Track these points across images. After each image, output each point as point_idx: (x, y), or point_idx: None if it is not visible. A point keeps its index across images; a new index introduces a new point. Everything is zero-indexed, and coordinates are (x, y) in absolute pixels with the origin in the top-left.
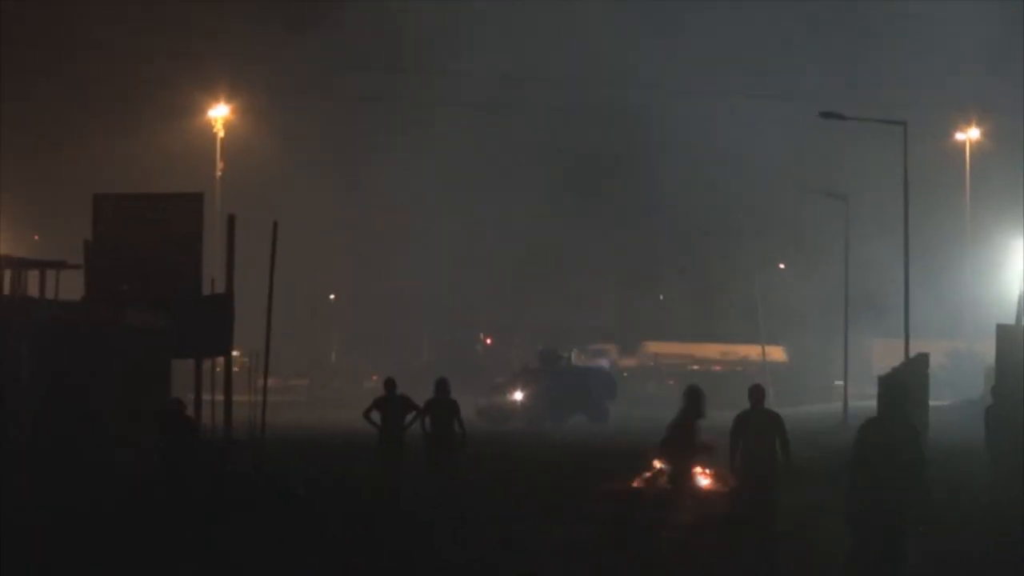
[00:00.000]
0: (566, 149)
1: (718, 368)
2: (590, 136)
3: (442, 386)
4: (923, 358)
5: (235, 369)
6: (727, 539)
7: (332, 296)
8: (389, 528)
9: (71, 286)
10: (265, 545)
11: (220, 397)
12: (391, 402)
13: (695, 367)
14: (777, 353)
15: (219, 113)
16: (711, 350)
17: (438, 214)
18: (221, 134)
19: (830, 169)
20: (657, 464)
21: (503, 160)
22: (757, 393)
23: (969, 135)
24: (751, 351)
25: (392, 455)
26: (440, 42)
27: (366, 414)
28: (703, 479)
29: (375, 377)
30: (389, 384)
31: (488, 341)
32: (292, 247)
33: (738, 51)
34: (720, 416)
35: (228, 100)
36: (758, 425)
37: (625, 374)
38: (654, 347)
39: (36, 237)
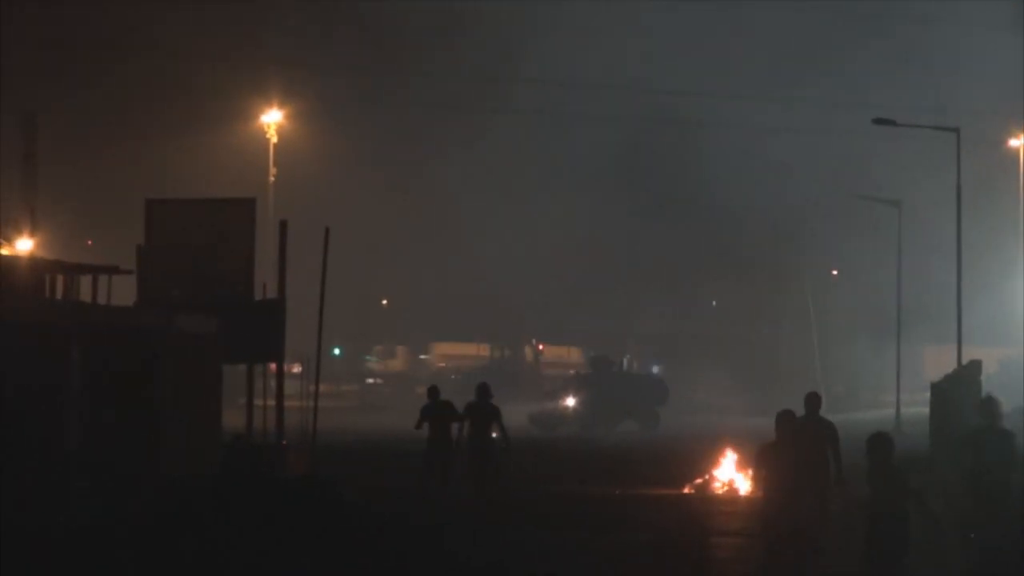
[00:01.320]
0: (616, 154)
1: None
2: (640, 142)
3: (483, 391)
4: (976, 365)
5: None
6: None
7: (384, 302)
8: (433, 534)
9: (124, 291)
10: (314, 549)
11: (272, 402)
12: (435, 409)
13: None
14: (575, 354)
15: (272, 118)
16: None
17: (492, 220)
18: (274, 139)
19: (883, 175)
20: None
21: (556, 166)
22: (813, 401)
23: (1023, 142)
24: (548, 352)
25: (438, 461)
26: (493, 46)
27: (418, 427)
28: (744, 483)
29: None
30: (432, 392)
31: (541, 347)
32: (345, 252)
33: (789, 56)
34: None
35: (282, 105)
36: (811, 433)
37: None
38: (443, 348)
39: (89, 242)
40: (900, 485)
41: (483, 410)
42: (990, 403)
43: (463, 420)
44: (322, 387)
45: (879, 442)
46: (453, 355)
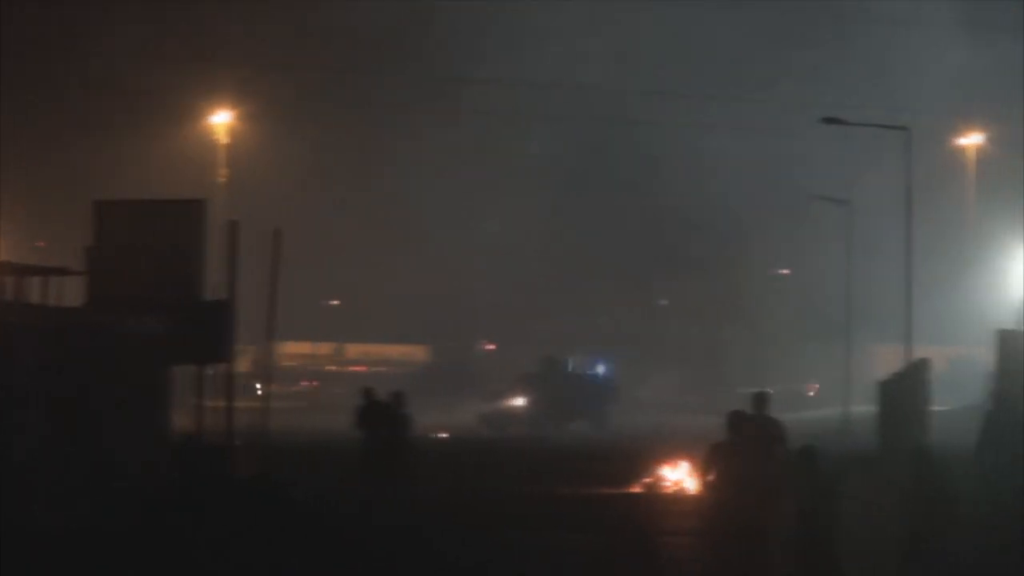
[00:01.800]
0: (568, 153)
1: (357, 368)
2: (591, 142)
3: (398, 399)
4: (923, 363)
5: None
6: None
7: (336, 302)
8: (381, 536)
9: (75, 293)
10: (263, 549)
11: (222, 403)
12: (370, 410)
13: (332, 367)
14: (420, 353)
15: (222, 119)
16: (353, 350)
17: (447, 220)
18: (224, 140)
19: (834, 174)
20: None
21: (505, 167)
22: (761, 399)
23: (973, 140)
24: (392, 351)
25: (378, 462)
26: (445, 46)
27: (358, 428)
28: (691, 482)
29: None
30: (368, 394)
31: (491, 347)
32: (296, 252)
33: (739, 57)
34: None
35: (234, 106)
36: (760, 432)
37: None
38: (290, 347)
39: (41, 244)
40: (828, 493)
41: (395, 417)
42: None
43: (381, 426)
44: (273, 388)
45: (805, 458)
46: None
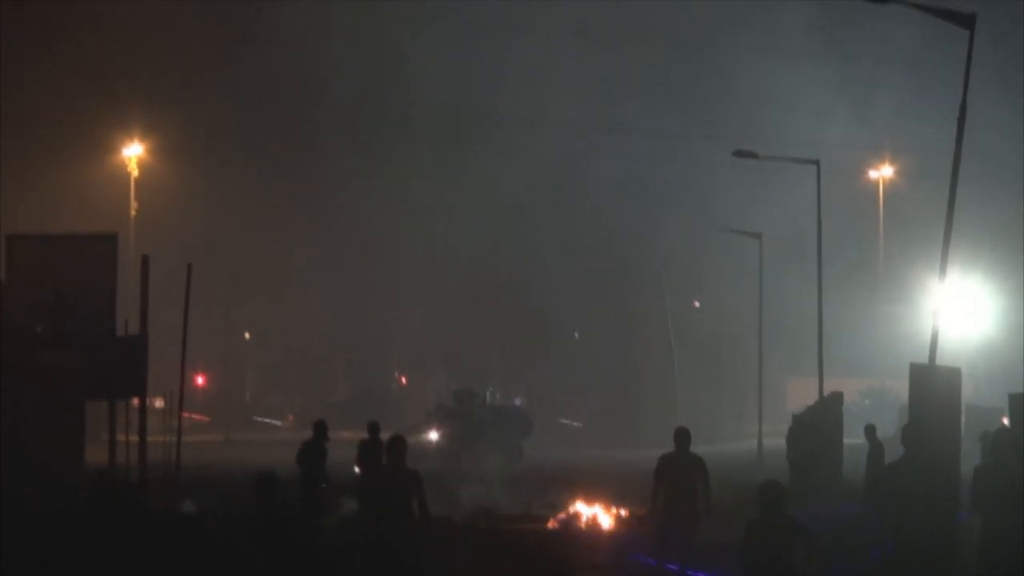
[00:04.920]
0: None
1: None
2: (504, 175)
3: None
4: (837, 397)
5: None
6: None
7: (247, 335)
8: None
9: None
10: None
11: (135, 438)
12: (315, 446)
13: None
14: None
15: (133, 152)
16: None
17: (355, 250)
18: (135, 174)
19: (748, 208)
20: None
21: (429, 199)
22: (682, 436)
23: (882, 173)
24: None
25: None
26: (353, 77)
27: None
28: (609, 518)
29: (291, 417)
30: (318, 426)
31: (403, 380)
32: (207, 286)
33: (651, 90)
34: None
35: (143, 139)
36: (681, 468)
37: None
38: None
39: None
40: (787, 535)
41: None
42: (1001, 435)
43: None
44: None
45: (774, 494)
46: None
